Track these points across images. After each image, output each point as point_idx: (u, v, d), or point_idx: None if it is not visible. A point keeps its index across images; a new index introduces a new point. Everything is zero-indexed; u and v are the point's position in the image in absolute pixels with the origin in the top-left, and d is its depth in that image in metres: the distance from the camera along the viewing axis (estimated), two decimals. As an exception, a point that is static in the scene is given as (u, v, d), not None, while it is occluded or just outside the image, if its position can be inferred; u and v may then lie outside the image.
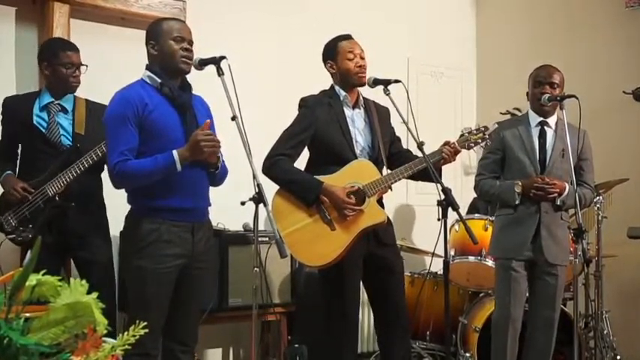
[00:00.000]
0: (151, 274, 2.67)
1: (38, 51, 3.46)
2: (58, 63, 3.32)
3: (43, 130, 3.30)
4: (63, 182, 3.22)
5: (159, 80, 2.76)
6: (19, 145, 3.40)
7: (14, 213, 3.24)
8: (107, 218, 3.48)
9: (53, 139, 3.30)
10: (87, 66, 3.40)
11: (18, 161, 3.42)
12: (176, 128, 2.74)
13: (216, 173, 2.85)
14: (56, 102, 3.35)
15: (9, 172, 3.34)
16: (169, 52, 2.75)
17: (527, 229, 3.46)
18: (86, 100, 3.44)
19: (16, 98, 3.47)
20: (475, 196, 4.23)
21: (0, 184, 3.34)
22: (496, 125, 3.38)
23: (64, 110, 3.37)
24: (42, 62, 3.38)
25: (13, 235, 3.20)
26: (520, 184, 3.44)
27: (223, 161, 2.89)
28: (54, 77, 3.34)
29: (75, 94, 3.42)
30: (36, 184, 3.23)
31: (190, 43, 2.80)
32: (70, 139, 3.33)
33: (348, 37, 3.36)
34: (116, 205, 3.25)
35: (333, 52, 3.33)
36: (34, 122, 3.30)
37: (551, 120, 3.57)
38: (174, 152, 2.66)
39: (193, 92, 2.90)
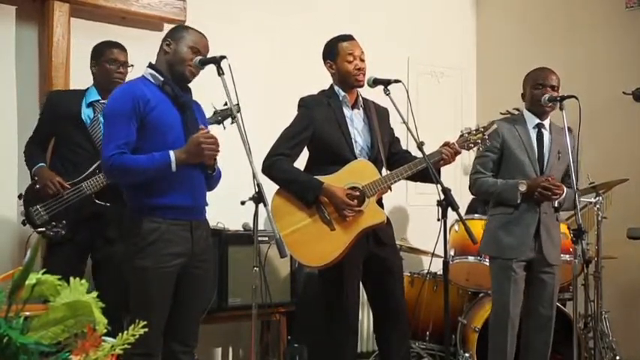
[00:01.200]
0: (154, 273, 2.66)
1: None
2: (103, 59, 3.40)
3: (87, 126, 3.34)
4: (101, 182, 3.23)
5: (161, 78, 2.77)
6: (52, 139, 3.44)
7: (45, 207, 3.24)
8: None
9: (95, 137, 3.33)
10: (133, 65, 3.43)
11: (52, 154, 3.45)
12: (176, 127, 2.74)
13: (212, 176, 2.86)
14: (102, 101, 3.38)
15: (42, 164, 3.37)
16: (181, 57, 2.78)
17: (527, 229, 3.46)
18: None
19: (63, 93, 3.55)
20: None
21: (34, 175, 3.35)
22: (495, 126, 3.38)
23: None
24: (91, 62, 3.46)
25: (44, 229, 3.18)
26: (525, 183, 3.43)
27: (217, 167, 2.88)
28: (99, 73, 3.42)
29: None
30: (72, 181, 3.24)
31: None
32: None
33: (349, 38, 3.35)
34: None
35: (334, 52, 3.32)
36: (82, 116, 3.34)
37: (546, 122, 3.60)
38: (172, 153, 2.65)
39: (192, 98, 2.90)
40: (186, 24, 3.49)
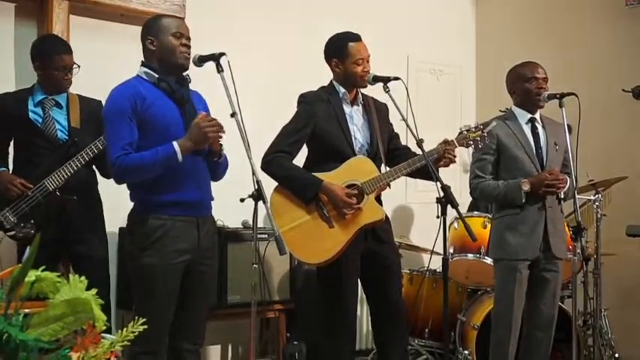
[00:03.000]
0: (160, 271, 2.64)
1: (31, 47, 3.42)
2: (51, 67, 3.32)
3: (39, 125, 3.30)
4: (63, 176, 3.20)
5: (156, 75, 2.74)
6: (11, 142, 3.39)
7: (12, 209, 3.21)
8: (103, 213, 3.48)
9: (49, 134, 3.29)
10: (79, 66, 3.38)
11: (12, 158, 3.40)
12: (176, 122, 2.72)
13: (219, 163, 2.83)
14: (50, 97, 3.35)
15: (4, 168, 3.33)
16: (170, 48, 2.74)
17: (536, 228, 3.43)
18: (79, 96, 3.44)
19: (7, 96, 3.45)
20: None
21: None
22: (495, 123, 3.36)
23: (59, 105, 3.37)
24: (35, 61, 3.37)
25: (13, 232, 3.17)
26: (527, 182, 3.39)
27: (224, 154, 2.85)
28: (47, 79, 3.35)
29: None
30: (34, 180, 3.21)
31: (189, 39, 2.79)
32: (66, 133, 3.33)
33: (357, 39, 3.30)
34: (113, 201, 3.26)
35: (342, 52, 3.27)
36: (30, 117, 3.30)
37: (537, 115, 3.58)
38: (175, 143, 2.63)
39: (191, 88, 2.89)
40: (185, 21, 3.48)
